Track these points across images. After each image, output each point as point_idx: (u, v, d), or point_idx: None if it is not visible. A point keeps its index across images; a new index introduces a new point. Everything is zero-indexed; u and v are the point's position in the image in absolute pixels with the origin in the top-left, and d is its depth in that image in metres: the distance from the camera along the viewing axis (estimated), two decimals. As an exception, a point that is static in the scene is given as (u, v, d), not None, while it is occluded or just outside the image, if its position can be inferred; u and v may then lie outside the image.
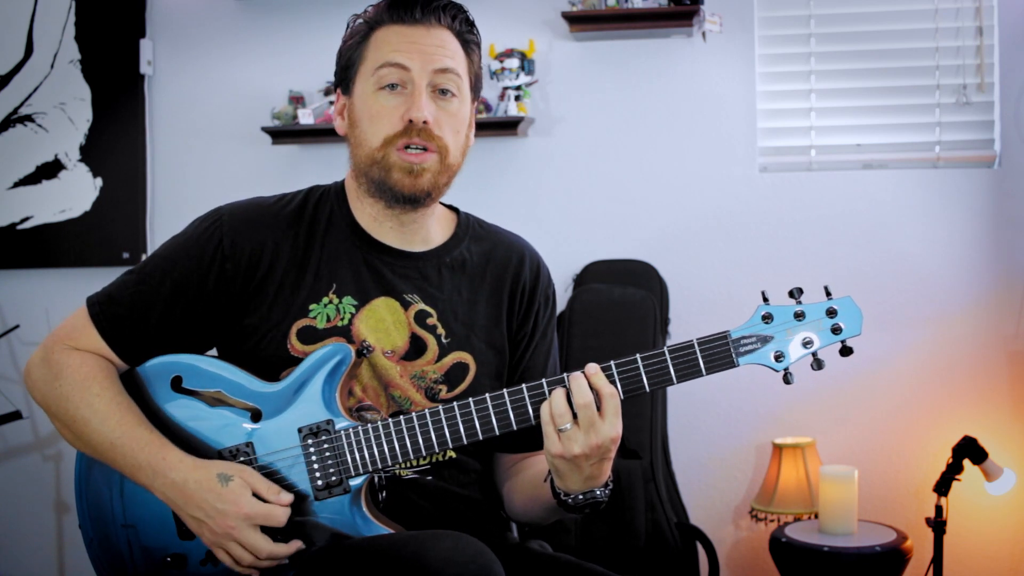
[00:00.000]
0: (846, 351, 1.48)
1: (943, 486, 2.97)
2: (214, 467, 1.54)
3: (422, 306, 1.69)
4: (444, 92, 1.64)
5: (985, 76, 3.33)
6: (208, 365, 1.63)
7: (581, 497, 1.54)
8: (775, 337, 1.48)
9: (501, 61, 3.39)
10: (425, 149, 1.62)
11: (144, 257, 3.62)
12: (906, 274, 3.34)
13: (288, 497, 1.54)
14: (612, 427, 1.47)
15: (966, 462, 3.00)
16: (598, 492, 1.54)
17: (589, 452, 1.47)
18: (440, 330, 1.69)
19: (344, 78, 1.70)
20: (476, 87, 1.72)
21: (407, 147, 1.62)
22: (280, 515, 1.52)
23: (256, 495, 1.53)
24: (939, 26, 3.36)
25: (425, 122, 1.61)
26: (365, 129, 1.65)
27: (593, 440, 1.46)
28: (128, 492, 1.62)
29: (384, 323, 1.66)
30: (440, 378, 1.68)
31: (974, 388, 3.31)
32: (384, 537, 1.53)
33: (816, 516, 3.10)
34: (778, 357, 1.48)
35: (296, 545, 1.54)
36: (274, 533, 1.53)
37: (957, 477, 2.98)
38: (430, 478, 1.66)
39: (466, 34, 1.68)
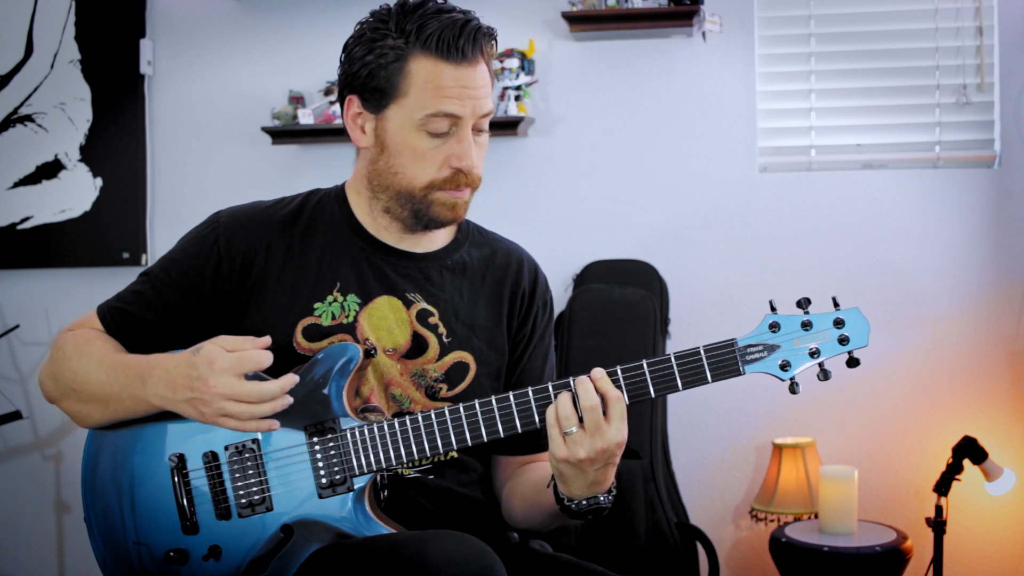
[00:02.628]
0: (852, 362, 1.48)
1: (943, 486, 2.97)
2: (189, 349, 1.55)
3: (424, 305, 1.69)
4: (480, 128, 1.66)
5: (985, 76, 3.33)
6: None
7: (584, 503, 1.54)
8: (782, 346, 1.48)
9: (501, 61, 3.39)
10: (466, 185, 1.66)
11: (144, 258, 3.65)
12: (906, 274, 3.34)
13: (264, 340, 1.52)
14: (618, 431, 1.47)
15: (966, 462, 3.00)
16: (602, 498, 1.54)
17: (594, 456, 1.47)
18: (441, 329, 1.69)
19: (370, 96, 1.64)
20: None
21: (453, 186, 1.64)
22: (258, 355, 1.50)
23: (231, 352, 1.51)
24: (939, 26, 3.36)
25: None
26: (405, 164, 1.63)
27: (599, 444, 1.46)
28: (139, 506, 1.63)
29: (387, 321, 1.67)
30: (440, 377, 1.68)
31: (974, 388, 3.31)
32: (386, 536, 1.53)
33: (816, 516, 3.10)
34: (784, 366, 1.48)
35: (290, 378, 1.52)
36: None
37: (957, 477, 2.98)
38: (432, 477, 1.67)
39: (490, 54, 1.66)
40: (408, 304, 1.69)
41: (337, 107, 3.48)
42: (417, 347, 1.68)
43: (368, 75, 1.62)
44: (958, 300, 3.33)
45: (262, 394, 1.50)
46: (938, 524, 2.96)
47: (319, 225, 1.72)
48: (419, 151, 1.62)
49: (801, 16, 3.44)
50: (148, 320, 1.68)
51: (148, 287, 1.69)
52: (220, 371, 1.49)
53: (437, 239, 1.76)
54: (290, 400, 1.52)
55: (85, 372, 1.63)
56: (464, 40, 1.58)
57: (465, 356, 1.70)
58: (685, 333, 3.39)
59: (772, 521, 3.22)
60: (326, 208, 1.74)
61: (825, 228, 3.39)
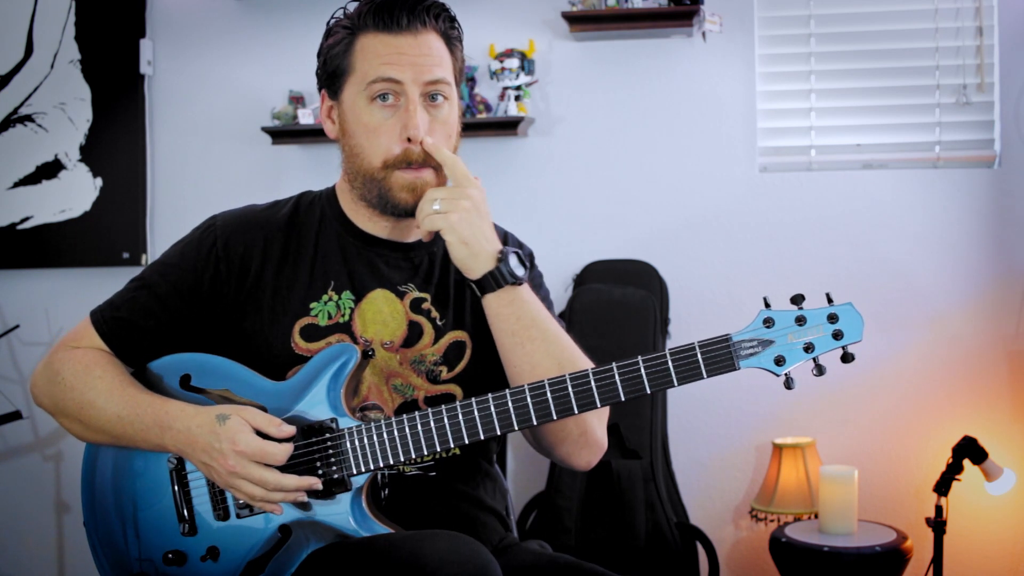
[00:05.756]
0: (847, 357, 1.48)
1: (943, 486, 2.97)
2: (214, 410, 1.55)
3: (416, 293, 1.71)
4: (434, 97, 1.65)
5: (985, 76, 3.33)
6: (216, 363, 1.65)
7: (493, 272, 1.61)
8: (776, 341, 1.48)
9: (501, 61, 3.39)
10: (423, 164, 1.64)
11: (144, 258, 3.64)
12: (906, 274, 3.34)
13: (289, 429, 1.54)
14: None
15: (966, 462, 3.00)
16: (503, 268, 1.61)
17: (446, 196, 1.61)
18: (434, 313, 1.71)
19: (330, 83, 1.70)
20: (459, 79, 1.74)
21: (407, 164, 1.64)
22: (277, 452, 1.51)
23: (257, 431, 1.53)
24: (939, 26, 3.36)
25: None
26: (362, 144, 1.66)
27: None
28: (139, 508, 1.64)
29: (382, 315, 1.69)
30: (439, 359, 1.70)
31: (974, 388, 3.31)
32: (382, 537, 1.53)
33: (816, 516, 3.10)
34: (779, 361, 1.48)
35: (309, 481, 1.53)
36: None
37: (957, 477, 2.98)
38: (434, 474, 1.67)
39: (448, 31, 1.68)
40: (401, 296, 1.71)
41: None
42: (413, 334, 1.69)
43: (325, 62, 1.69)
44: (958, 300, 3.33)
45: (277, 485, 1.52)
46: (938, 524, 2.96)
47: (312, 225, 1.73)
48: (370, 126, 1.64)
49: (801, 16, 3.44)
50: (148, 328, 1.68)
51: (145, 293, 1.69)
52: (240, 454, 1.51)
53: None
54: (304, 497, 1.54)
55: (92, 407, 1.62)
56: (399, 9, 1.62)
57: (460, 335, 1.71)
58: (685, 333, 3.38)
59: (772, 521, 3.22)
60: (317, 208, 1.76)
61: (825, 228, 3.39)
